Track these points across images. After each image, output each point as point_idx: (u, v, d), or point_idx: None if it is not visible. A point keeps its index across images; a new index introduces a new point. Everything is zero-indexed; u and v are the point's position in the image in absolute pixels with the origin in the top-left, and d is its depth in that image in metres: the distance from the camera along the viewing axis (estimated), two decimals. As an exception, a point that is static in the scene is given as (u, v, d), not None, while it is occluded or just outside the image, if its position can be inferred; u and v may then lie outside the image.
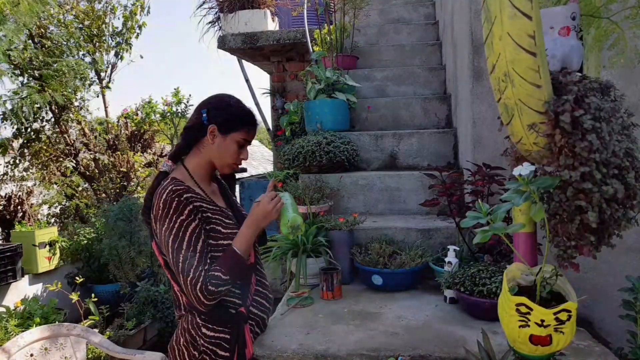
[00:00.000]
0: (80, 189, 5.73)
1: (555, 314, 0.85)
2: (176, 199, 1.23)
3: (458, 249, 1.74)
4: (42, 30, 4.92)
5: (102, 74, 5.85)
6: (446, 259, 1.71)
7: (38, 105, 4.81)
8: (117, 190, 5.47)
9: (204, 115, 1.33)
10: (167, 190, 1.24)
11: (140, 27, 5.90)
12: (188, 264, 1.20)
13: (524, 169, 0.88)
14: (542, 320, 0.86)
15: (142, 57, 6.32)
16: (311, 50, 3.61)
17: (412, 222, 2.15)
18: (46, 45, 4.88)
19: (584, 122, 0.85)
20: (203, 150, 1.35)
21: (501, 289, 0.96)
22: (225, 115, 1.33)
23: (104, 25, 5.64)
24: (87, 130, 5.67)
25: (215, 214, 1.31)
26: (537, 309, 0.86)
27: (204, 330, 1.28)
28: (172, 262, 1.23)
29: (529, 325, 0.88)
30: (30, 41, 4.77)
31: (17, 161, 5.28)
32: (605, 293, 1.62)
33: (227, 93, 1.41)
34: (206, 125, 1.32)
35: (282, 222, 1.41)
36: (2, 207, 4.74)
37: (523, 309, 0.87)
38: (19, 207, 4.82)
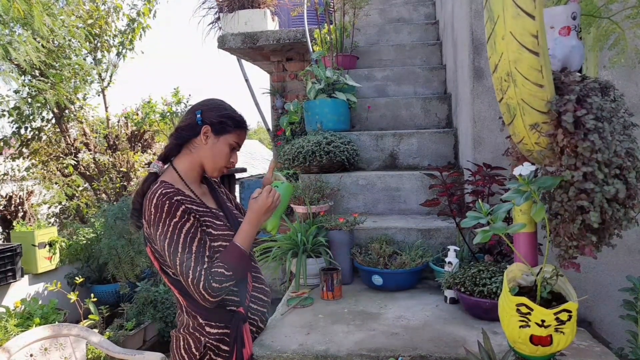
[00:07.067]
0: (80, 189, 5.73)
1: (555, 314, 0.85)
2: (167, 201, 1.23)
3: (458, 249, 1.74)
4: (47, 31, 4.91)
5: (103, 74, 5.83)
6: (446, 259, 1.71)
7: (39, 105, 4.81)
8: (118, 190, 5.46)
9: (198, 115, 1.34)
10: (157, 194, 1.24)
11: (144, 29, 5.89)
12: (185, 266, 1.20)
13: (525, 169, 0.88)
14: (543, 321, 0.86)
15: (143, 52, 6.33)
16: (311, 50, 3.60)
17: (413, 222, 2.14)
18: (47, 46, 4.87)
19: (586, 122, 0.85)
20: (194, 151, 1.36)
21: (501, 289, 0.96)
22: (219, 117, 1.35)
23: (106, 25, 5.62)
24: (87, 130, 5.66)
25: (205, 216, 1.31)
26: (537, 309, 0.86)
27: (207, 329, 1.30)
28: (172, 265, 1.23)
29: (529, 326, 0.88)
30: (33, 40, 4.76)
31: (17, 159, 5.27)
32: (606, 293, 1.62)
33: (219, 98, 1.44)
34: (200, 126, 1.33)
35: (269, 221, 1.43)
36: (2, 207, 4.73)
37: (523, 309, 0.87)
38: (19, 207, 4.81)
